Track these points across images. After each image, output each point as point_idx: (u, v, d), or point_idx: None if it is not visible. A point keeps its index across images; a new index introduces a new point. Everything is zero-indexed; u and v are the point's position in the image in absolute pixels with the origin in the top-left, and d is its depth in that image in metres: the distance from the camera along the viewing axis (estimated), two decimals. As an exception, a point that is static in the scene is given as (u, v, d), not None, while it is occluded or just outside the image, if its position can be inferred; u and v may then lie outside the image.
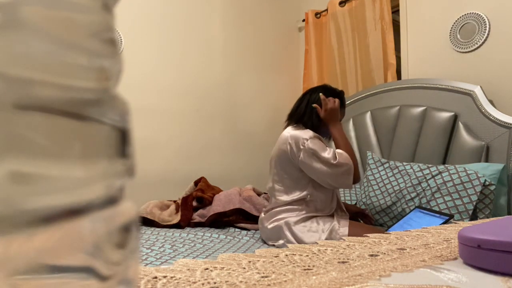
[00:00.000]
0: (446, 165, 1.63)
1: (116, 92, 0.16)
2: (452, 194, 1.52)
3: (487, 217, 1.49)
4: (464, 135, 1.75)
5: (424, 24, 2.10)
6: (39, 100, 0.12)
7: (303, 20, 2.88)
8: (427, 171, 1.66)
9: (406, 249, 0.46)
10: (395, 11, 2.27)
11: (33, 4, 0.12)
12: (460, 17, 1.92)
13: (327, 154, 1.39)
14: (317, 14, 2.75)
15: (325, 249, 0.45)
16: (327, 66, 2.68)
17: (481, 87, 1.76)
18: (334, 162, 1.38)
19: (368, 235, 0.53)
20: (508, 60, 1.76)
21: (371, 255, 0.43)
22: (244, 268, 0.38)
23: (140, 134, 2.16)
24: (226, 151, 2.56)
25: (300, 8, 2.93)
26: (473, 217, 1.49)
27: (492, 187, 1.49)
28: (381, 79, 2.29)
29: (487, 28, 1.82)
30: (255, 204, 1.85)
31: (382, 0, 2.28)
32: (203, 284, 0.33)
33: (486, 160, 1.67)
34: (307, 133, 1.43)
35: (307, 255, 0.43)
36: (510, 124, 1.62)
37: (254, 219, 1.77)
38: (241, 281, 0.34)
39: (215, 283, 0.33)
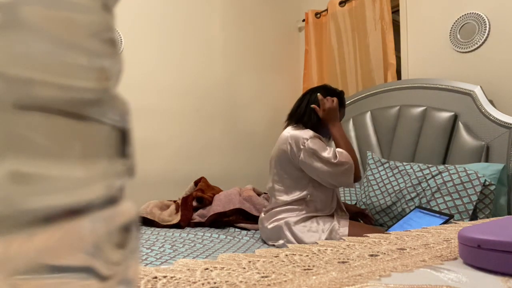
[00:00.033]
0: (446, 165, 1.63)
1: (116, 92, 0.16)
2: (452, 194, 1.52)
3: (487, 217, 1.49)
4: (464, 135, 1.75)
5: (424, 24, 2.10)
6: (39, 100, 0.12)
7: (303, 20, 2.87)
8: (427, 171, 1.66)
9: (406, 249, 0.46)
10: (395, 11, 2.27)
11: (33, 4, 0.12)
12: (460, 17, 1.92)
13: (327, 153, 1.39)
14: (317, 14, 2.74)
15: (325, 249, 0.45)
16: (327, 66, 2.68)
17: (481, 87, 1.76)
18: (335, 161, 1.38)
19: (368, 235, 0.53)
20: (508, 60, 1.76)
21: (371, 255, 0.43)
22: (244, 268, 0.38)
23: (140, 134, 2.16)
24: (226, 151, 2.56)
25: (300, 8, 2.93)
26: (473, 217, 1.49)
27: (492, 187, 1.49)
28: (381, 79, 2.29)
29: (487, 28, 1.82)
30: (255, 204, 1.85)
31: (382, 0, 2.28)
32: (203, 284, 0.33)
33: (486, 160, 1.67)
34: (307, 133, 1.43)
35: (307, 255, 0.43)
36: (510, 124, 1.62)
37: (254, 219, 1.77)
38: (241, 281, 0.34)
39: (215, 283, 0.33)
